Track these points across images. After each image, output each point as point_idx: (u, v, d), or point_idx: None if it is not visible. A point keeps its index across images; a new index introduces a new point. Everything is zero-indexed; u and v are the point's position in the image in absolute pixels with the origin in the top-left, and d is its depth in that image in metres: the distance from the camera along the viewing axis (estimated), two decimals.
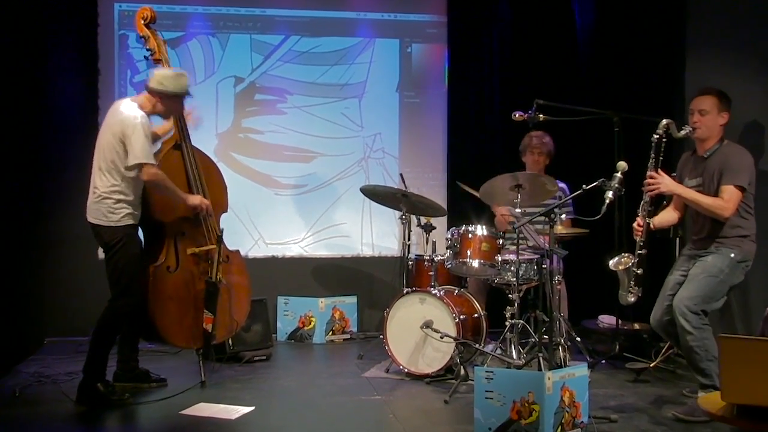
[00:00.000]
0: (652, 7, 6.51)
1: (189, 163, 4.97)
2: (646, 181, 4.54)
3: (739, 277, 4.54)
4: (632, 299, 4.59)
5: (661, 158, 4.53)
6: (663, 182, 4.53)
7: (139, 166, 4.56)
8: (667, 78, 6.33)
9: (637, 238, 4.59)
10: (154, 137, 4.90)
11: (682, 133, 4.56)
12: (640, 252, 4.56)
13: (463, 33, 7.11)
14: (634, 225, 4.64)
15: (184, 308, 4.89)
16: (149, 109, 4.69)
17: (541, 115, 5.57)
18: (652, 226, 4.65)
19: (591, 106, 5.74)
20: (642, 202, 4.60)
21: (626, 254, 4.63)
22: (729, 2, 5.75)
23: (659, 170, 4.55)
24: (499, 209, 5.79)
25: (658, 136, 4.53)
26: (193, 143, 5.06)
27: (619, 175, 4.42)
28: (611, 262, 4.65)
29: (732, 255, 4.48)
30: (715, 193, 4.51)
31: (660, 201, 4.93)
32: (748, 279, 4.87)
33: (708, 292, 4.43)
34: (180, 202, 4.80)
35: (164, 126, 5.05)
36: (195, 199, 4.88)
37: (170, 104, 4.76)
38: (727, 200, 4.45)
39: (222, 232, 4.99)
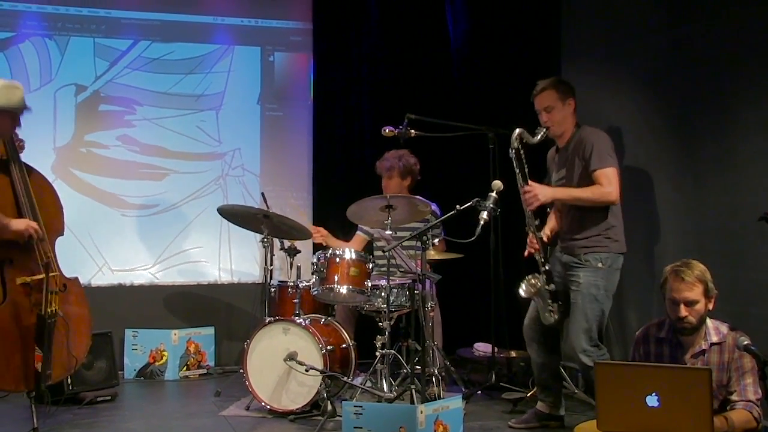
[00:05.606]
0: (526, 18, 6.74)
1: (17, 182, 4.73)
2: (523, 197, 4.65)
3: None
4: (556, 317, 4.64)
5: (526, 169, 4.64)
6: (538, 193, 4.63)
7: None
8: None
9: (537, 255, 4.68)
10: None
11: (538, 137, 4.68)
12: (544, 269, 4.65)
13: (330, 41, 7.15)
14: (528, 243, 4.72)
15: (11, 346, 4.62)
16: None
17: (412, 131, 5.63)
18: (545, 238, 4.76)
19: (466, 121, 5.85)
20: (527, 219, 4.69)
21: (531, 276, 4.68)
22: (602, 13, 6.02)
23: (530, 181, 4.66)
24: None
25: (515, 149, 4.63)
26: (26, 159, 4.83)
27: (494, 194, 4.50)
28: (521, 291, 4.68)
29: (600, 265, 4.60)
30: (581, 182, 4.63)
31: (544, 211, 5.03)
32: (625, 304, 5.05)
33: (596, 316, 4.57)
34: (1, 227, 4.53)
35: None
36: (19, 224, 4.60)
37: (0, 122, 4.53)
38: (607, 184, 4.57)
39: (48, 259, 4.75)
